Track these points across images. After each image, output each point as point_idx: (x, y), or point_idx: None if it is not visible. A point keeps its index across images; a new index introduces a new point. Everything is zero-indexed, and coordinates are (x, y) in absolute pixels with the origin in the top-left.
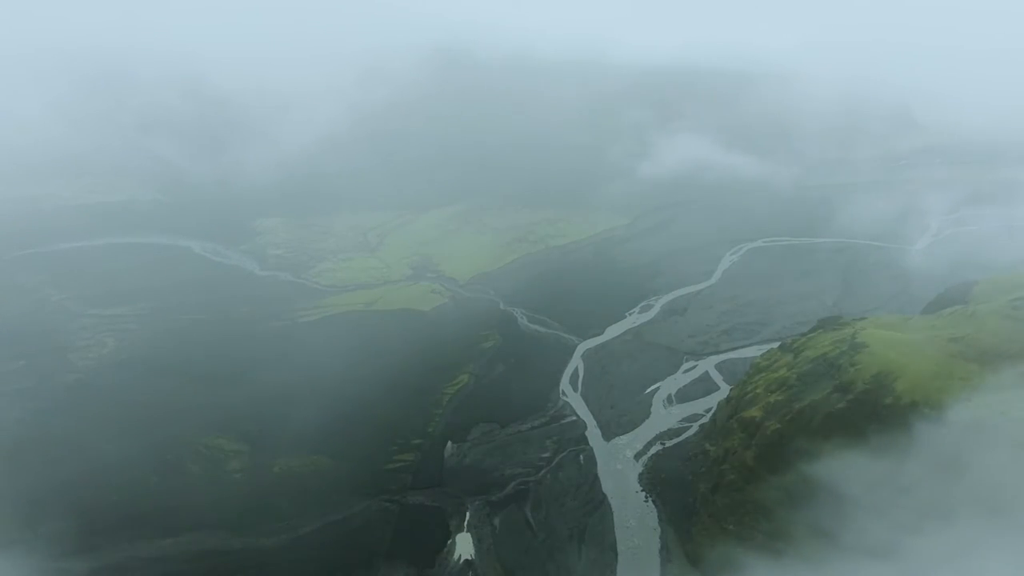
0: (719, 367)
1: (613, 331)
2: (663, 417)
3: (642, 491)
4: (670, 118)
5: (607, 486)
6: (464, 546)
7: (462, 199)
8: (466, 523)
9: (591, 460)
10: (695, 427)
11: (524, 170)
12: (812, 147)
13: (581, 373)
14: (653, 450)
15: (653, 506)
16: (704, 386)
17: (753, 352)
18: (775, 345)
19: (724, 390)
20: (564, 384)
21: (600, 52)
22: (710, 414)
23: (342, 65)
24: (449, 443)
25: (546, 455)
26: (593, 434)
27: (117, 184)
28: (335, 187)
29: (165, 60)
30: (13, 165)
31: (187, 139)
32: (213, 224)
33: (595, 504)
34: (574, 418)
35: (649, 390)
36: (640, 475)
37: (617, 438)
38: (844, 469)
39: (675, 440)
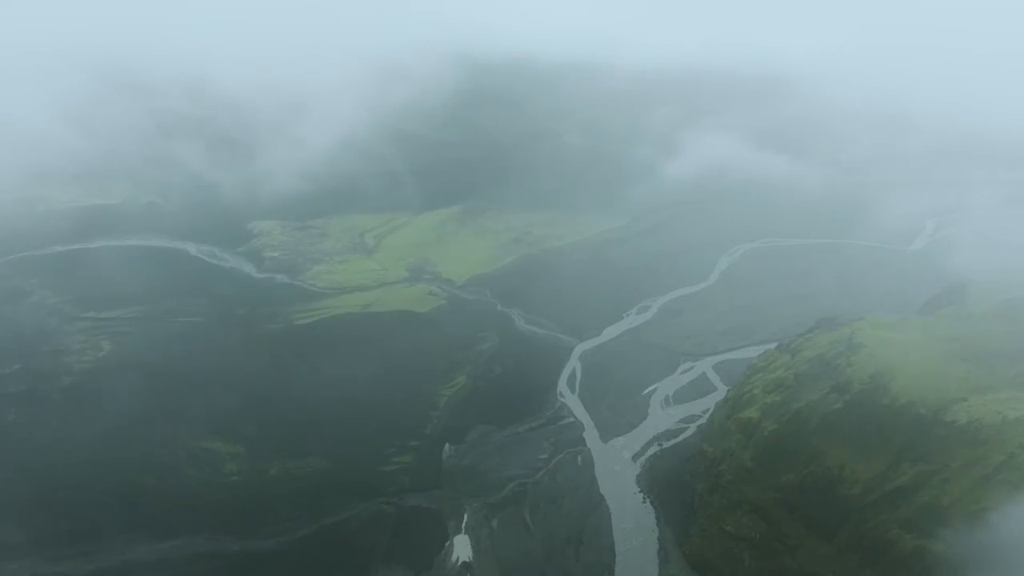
0: (716, 368)
1: (610, 332)
2: (661, 418)
3: (640, 492)
4: (689, 120)
5: (605, 487)
6: (462, 548)
7: (461, 200)
8: (464, 525)
9: (589, 461)
10: (693, 428)
11: (530, 172)
12: (834, 149)
13: (579, 374)
14: (651, 451)
15: (651, 507)
16: (702, 387)
17: (750, 353)
18: (772, 346)
19: (721, 391)
20: (562, 385)
21: (621, 53)
22: (708, 415)
23: (358, 67)
24: (447, 445)
25: (544, 457)
26: (591, 435)
27: (113, 187)
28: (335, 189)
29: (173, 59)
30: (8, 167)
31: (190, 141)
32: (210, 227)
33: (593, 505)
34: (572, 419)
35: (647, 391)
36: (638, 476)
37: (615, 439)
38: None
39: (673, 441)
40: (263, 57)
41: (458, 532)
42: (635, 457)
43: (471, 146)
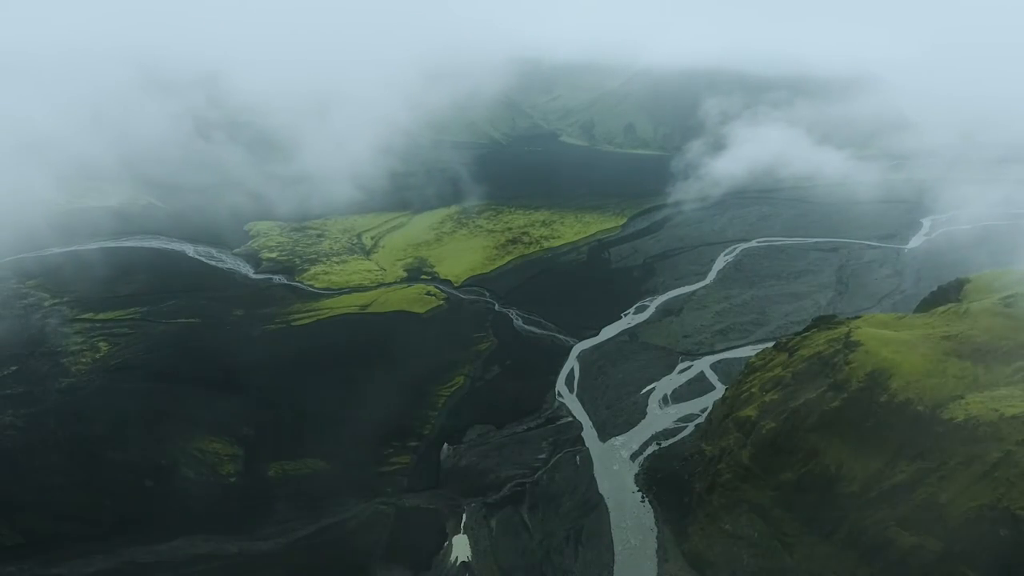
0: (714, 367)
1: (608, 332)
2: (659, 417)
3: (638, 491)
4: (732, 116)
5: (603, 487)
6: (461, 548)
7: (460, 201)
8: (462, 525)
9: (587, 461)
10: (691, 427)
11: (530, 172)
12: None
13: (577, 374)
14: (649, 450)
15: (649, 506)
16: (699, 386)
17: (748, 352)
18: (770, 345)
19: (719, 390)
20: (560, 385)
21: (650, 57)
22: (705, 414)
23: (362, 71)
24: (445, 445)
25: (542, 456)
26: (589, 435)
27: (111, 188)
28: (334, 189)
29: (194, 58)
30: (6, 168)
31: (192, 142)
32: (207, 228)
33: (592, 505)
34: (570, 419)
35: (645, 391)
36: (636, 475)
37: (613, 439)
38: None
39: (671, 440)
40: (270, 60)
41: (457, 532)
42: (633, 456)
43: (472, 147)
